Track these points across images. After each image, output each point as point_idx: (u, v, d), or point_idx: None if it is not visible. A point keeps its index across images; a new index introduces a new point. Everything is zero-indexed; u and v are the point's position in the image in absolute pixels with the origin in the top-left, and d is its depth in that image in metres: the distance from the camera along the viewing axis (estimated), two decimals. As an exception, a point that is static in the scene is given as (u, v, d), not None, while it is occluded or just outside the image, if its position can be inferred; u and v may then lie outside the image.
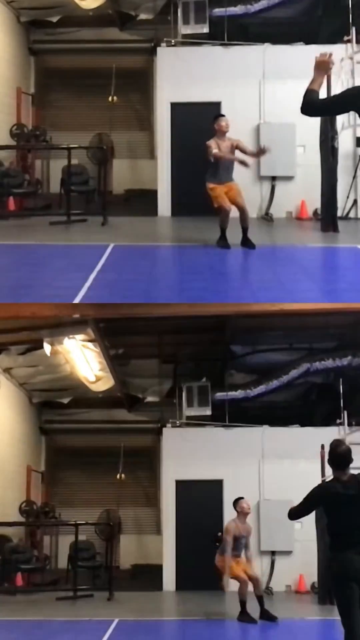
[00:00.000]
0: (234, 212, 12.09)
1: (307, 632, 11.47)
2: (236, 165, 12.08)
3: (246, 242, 12.02)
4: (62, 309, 10.50)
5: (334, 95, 6.51)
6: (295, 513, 6.97)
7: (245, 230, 12.06)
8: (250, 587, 11.68)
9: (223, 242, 12.05)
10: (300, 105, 6.29)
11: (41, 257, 11.63)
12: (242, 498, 11.93)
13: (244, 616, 11.49)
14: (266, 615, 11.46)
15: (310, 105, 6.26)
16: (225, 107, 15.10)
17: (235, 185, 12.15)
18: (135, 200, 16.50)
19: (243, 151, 12.07)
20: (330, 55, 6.38)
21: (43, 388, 17.23)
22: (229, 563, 11.59)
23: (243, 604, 11.54)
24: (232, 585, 14.43)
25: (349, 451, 6.72)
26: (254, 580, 11.69)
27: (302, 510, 6.93)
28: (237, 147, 12.05)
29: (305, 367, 15.38)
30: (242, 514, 11.77)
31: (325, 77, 6.44)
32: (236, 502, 11.91)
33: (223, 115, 12.30)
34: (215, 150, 11.90)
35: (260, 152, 12.23)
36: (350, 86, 13.96)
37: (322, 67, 6.36)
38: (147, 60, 17.09)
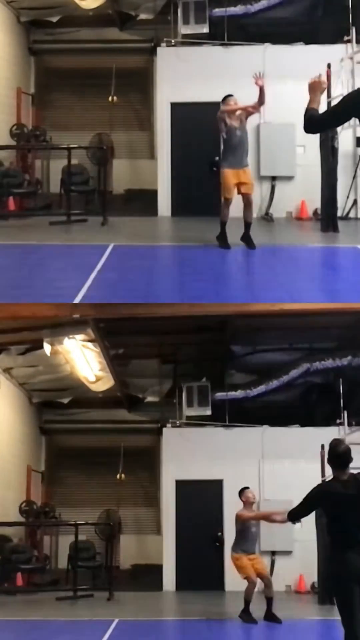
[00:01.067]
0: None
1: (307, 632, 11.47)
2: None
3: (247, 239, 11.93)
4: (62, 309, 10.51)
5: (334, 106, 6.50)
6: (295, 514, 6.96)
7: (248, 226, 11.98)
8: (259, 586, 11.69)
9: (222, 240, 11.96)
10: (303, 124, 6.31)
11: (41, 257, 11.63)
12: (247, 488, 11.94)
13: (245, 615, 11.48)
14: (272, 618, 11.43)
15: (312, 121, 6.28)
16: (225, 107, 15.09)
17: (249, 174, 12.03)
18: (135, 200, 16.49)
19: (247, 108, 11.92)
20: (321, 75, 6.48)
21: (43, 388, 17.22)
22: (242, 562, 11.57)
23: (247, 603, 11.53)
24: (232, 585, 14.47)
25: (348, 450, 6.72)
26: (266, 580, 11.70)
27: (302, 511, 6.92)
28: (246, 112, 11.91)
29: (305, 367, 15.39)
30: (247, 503, 11.79)
31: (325, 88, 6.45)
32: (241, 492, 11.91)
33: (231, 95, 12.19)
34: (226, 118, 11.75)
35: (261, 94, 11.77)
36: (349, 86, 14.09)
37: (316, 88, 6.43)
38: (147, 60, 17.08)
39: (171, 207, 15.38)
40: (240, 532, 11.77)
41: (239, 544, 11.78)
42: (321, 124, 6.40)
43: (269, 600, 11.55)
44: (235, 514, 11.82)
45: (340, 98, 6.65)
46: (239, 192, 11.98)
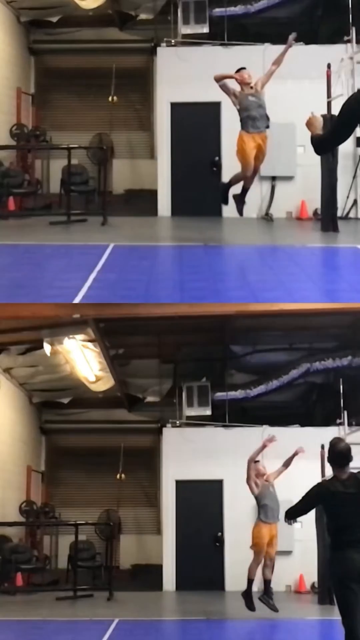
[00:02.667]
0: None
1: (307, 632, 11.47)
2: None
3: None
4: (62, 309, 10.51)
5: (336, 117, 6.55)
6: (294, 512, 6.96)
7: (245, 190, 11.95)
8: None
9: (239, 204, 11.94)
10: (314, 149, 6.51)
11: (41, 257, 11.62)
12: (257, 461, 12.04)
13: (247, 597, 11.52)
14: (267, 601, 11.45)
15: (321, 141, 6.47)
16: (225, 107, 15.06)
17: (265, 139, 11.89)
18: (135, 200, 16.49)
19: (269, 73, 11.88)
20: (313, 113, 6.71)
21: (43, 388, 17.22)
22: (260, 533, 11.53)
23: (250, 582, 11.55)
24: (232, 586, 14.48)
25: (348, 449, 6.72)
26: (269, 562, 11.75)
27: (300, 509, 6.92)
28: (263, 85, 11.87)
29: (305, 367, 15.38)
30: (259, 475, 11.87)
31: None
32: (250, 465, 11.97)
33: (244, 68, 12.17)
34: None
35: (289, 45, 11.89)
36: (349, 86, 14.10)
37: (313, 124, 6.58)
38: (147, 60, 17.08)
39: (171, 207, 15.37)
40: (258, 500, 11.84)
41: (259, 513, 11.87)
42: (331, 140, 6.53)
43: (267, 583, 11.59)
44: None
45: (339, 98, 6.67)
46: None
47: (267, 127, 11.85)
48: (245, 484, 12.04)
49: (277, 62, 11.89)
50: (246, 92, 11.80)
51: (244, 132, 11.81)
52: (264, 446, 11.98)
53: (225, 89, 11.79)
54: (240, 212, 11.98)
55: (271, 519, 11.72)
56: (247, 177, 11.88)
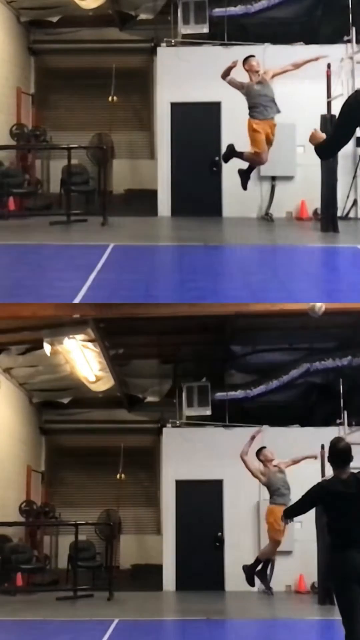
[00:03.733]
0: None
1: (307, 632, 11.46)
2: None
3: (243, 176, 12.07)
4: (62, 309, 10.51)
5: (336, 123, 6.58)
6: (293, 510, 6.97)
7: (252, 168, 12.13)
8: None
9: (244, 179, 12.06)
10: (319, 155, 6.65)
11: (41, 257, 11.62)
12: (264, 447, 12.10)
13: (262, 576, 11.58)
14: (264, 578, 11.52)
15: (324, 147, 6.55)
16: (225, 107, 15.11)
17: (273, 126, 12.03)
18: (135, 200, 16.49)
19: (284, 69, 11.97)
20: (315, 129, 6.76)
21: (43, 388, 17.22)
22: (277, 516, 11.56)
23: (268, 562, 11.61)
24: (232, 586, 14.49)
25: (349, 448, 6.72)
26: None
27: (300, 508, 6.92)
28: (274, 75, 11.95)
29: (305, 367, 15.39)
30: (267, 461, 11.91)
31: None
32: (259, 452, 12.07)
33: (253, 56, 12.21)
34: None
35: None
36: (349, 86, 14.11)
37: (316, 137, 6.67)
38: (147, 60, 17.08)
39: (171, 207, 15.37)
40: (268, 486, 11.88)
41: (271, 497, 11.92)
42: (334, 144, 6.62)
43: (271, 563, 11.68)
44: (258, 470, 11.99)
45: (339, 98, 6.70)
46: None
47: (278, 111, 12.00)
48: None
49: (297, 65, 11.98)
50: (255, 80, 11.87)
51: (253, 120, 11.92)
52: (252, 438, 11.99)
53: (233, 84, 11.86)
54: (244, 186, 12.08)
55: (282, 501, 11.76)
56: (258, 162, 11.98)
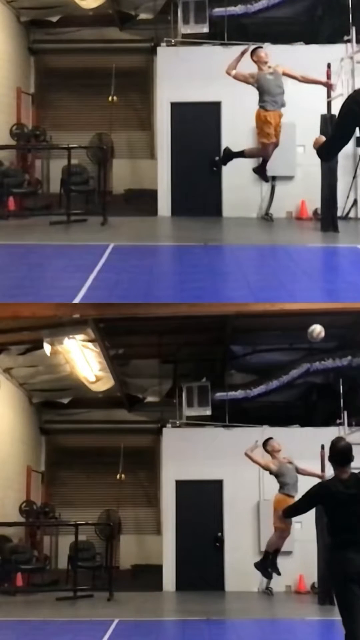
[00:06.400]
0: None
1: (307, 632, 11.46)
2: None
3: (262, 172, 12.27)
4: (62, 309, 10.51)
5: (336, 124, 6.61)
6: (293, 509, 6.97)
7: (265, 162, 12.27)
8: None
9: (263, 174, 12.24)
10: (321, 157, 6.87)
11: (41, 257, 11.62)
12: (271, 438, 12.09)
13: (273, 565, 11.57)
14: (274, 565, 11.54)
15: (325, 148, 6.68)
16: (225, 107, 15.10)
17: (281, 117, 12.09)
18: (135, 200, 16.49)
19: (295, 73, 12.01)
20: (320, 136, 6.99)
21: (43, 388, 17.22)
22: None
23: (277, 552, 11.61)
24: (232, 586, 14.48)
25: (349, 448, 6.72)
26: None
27: (300, 508, 6.93)
28: (284, 74, 11.98)
29: (305, 367, 15.38)
30: (274, 452, 11.91)
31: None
32: (266, 443, 12.05)
33: (261, 47, 12.23)
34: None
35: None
36: (349, 86, 14.10)
37: (319, 142, 6.86)
38: (147, 60, 17.08)
39: (171, 207, 15.36)
40: (277, 476, 11.87)
41: (280, 487, 11.87)
42: (334, 144, 6.72)
43: (277, 553, 11.68)
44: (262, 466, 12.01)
45: (339, 98, 6.72)
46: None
47: (283, 105, 12.07)
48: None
49: (305, 79, 12.06)
50: (265, 70, 11.88)
51: (263, 110, 11.97)
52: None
53: (240, 77, 11.88)
54: (265, 179, 12.49)
55: (292, 492, 11.76)
56: (267, 154, 11.99)
